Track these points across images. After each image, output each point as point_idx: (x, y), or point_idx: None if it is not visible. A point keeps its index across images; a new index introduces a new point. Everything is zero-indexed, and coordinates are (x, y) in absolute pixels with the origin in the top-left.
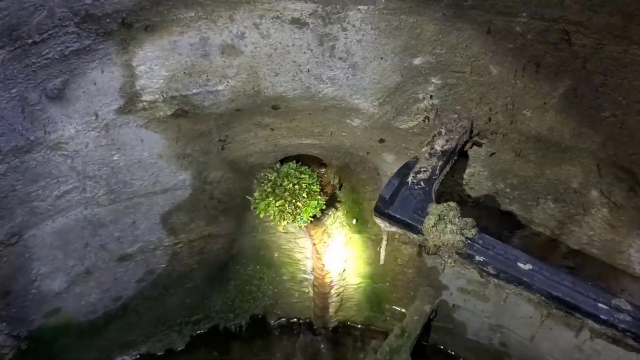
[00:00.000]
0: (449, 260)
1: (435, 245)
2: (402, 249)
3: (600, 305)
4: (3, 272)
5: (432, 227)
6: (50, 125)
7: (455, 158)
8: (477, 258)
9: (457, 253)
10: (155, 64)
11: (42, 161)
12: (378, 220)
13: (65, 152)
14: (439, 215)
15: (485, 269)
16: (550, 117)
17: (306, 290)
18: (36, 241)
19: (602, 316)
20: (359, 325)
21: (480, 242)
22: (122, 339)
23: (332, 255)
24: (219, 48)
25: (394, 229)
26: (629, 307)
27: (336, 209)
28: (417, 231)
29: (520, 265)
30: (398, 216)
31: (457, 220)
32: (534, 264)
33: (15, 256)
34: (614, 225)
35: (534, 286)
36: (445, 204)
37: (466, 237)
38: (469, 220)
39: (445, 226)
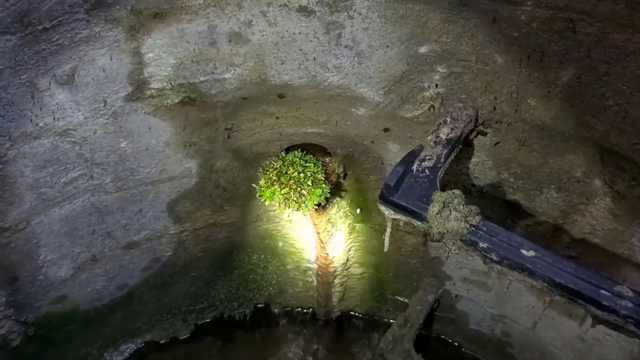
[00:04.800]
0: (453, 247)
1: (439, 232)
2: (406, 239)
3: (602, 291)
4: (11, 258)
5: (437, 214)
6: (59, 111)
7: (460, 147)
8: (481, 245)
9: (461, 240)
10: (164, 51)
11: (51, 147)
12: (382, 208)
13: (74, 139)
14: (443, 202)
15: (488, 255)
16: (554, 106)
17: (310, 280)
18: (44, 227)
19: (604, 302)
20: (362, 315)
21: (484, 229)
22: (127, 327)
23: (336, 245)
24: (226, 36)
25: (398, 216)
26: (630, 294)
27: (340, 198)
28: (422, 218)
29: (524, 251)
30: (403, 203)
31: (461, 207)
32: (537, 250)
33: (23, 242)
34: (616, 215)
35: (537, 272)
36: (449, 191)
37: (470, 224)
38: (473, 207)
39: (450, 213)
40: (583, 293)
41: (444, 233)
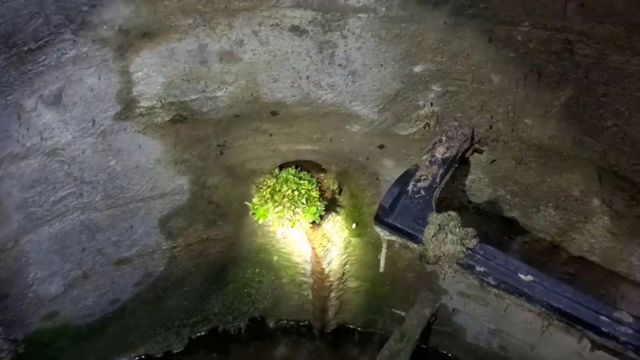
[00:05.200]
0: (449, 270)
1: (435, 255)
2: (402, 254)
3: (601, 317)
4: (0, 277)
5: (433, 236)
6: (47, 131)
7: (456, 166)
8: (478, 269)
9: (457, 263)
10: (153, 70)
11: (39, 167)
12: (378, 229)
13: (62, 159)
14: (439, 224)
15: (485, 279)
16: (551, 126)
17: (305, 293)
18: (33, 246)
19: (603, 328)
20: (359, 329)
21: (481, 252)
22: (120, 342)
23: (331, 259)
24: (217, 55)
25: (393, 237)
26: (630, 320)
27: (336, 213)
28: (417, 241)
29: (521, 276)
30: (398, 225)
31: (457, 230)
32: (535, 275)
33: (12, 260)
34: (615, 233)
35: (535, 297)
36: (445, 213)
37: (467, 248)
38: (470, 230)
39: (446, 236)
40: (582, 319)
41: (440, 256)
